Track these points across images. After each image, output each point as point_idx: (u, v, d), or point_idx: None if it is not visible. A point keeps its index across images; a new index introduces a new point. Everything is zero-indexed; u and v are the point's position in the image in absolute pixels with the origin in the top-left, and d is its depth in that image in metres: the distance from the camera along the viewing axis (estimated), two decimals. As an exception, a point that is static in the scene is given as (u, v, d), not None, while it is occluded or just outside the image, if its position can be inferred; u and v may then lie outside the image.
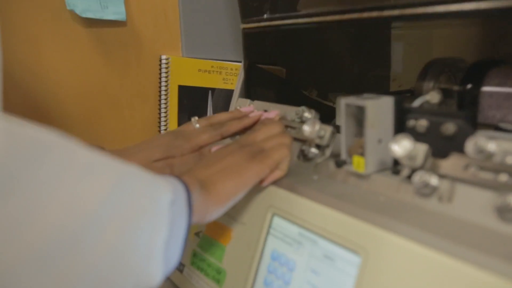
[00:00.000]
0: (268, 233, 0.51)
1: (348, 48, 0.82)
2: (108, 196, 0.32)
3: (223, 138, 0.62)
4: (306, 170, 0.55)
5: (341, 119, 0.49)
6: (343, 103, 0.48)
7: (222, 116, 0.64)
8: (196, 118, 0.63)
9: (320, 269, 0.44)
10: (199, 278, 0.57)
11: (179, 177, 0.42)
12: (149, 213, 0.35)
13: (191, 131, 0.61)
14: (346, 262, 0.42)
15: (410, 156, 0.42)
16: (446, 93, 0.59)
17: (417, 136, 0.46)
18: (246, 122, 0.63)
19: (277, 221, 0.50)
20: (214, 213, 0.45)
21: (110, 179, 0.33)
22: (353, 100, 0.47)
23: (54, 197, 0.29)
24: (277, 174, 0.51)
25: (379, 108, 0.47)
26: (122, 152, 0.59)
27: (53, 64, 0.72)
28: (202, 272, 0.57)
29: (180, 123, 0.83)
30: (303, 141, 0.57)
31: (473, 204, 0.39)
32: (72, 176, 0.30)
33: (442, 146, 0.44)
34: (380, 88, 0.83)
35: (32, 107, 0.71)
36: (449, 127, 0.43)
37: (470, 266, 0.33)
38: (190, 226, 0.40)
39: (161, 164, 0.58)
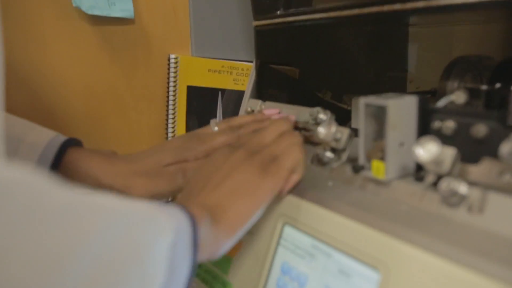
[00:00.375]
0: (278, 244, 0.47)
1: (364, 47, 0.78)
2: (84, 246, 0.26)
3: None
4: (320, 175, 0.51)
5: (360, 120, 0.44)
6: (362, 103, 0.44)
7: (243, 119, 0.60)
8: (216, 120, 0.60)
9: (334, 286, 0.40)
10: (205, 290, 0.53)
11: (184, 206, 0.37)
12: (141, 262, 0.29)
13: (207, 134, 0.57)
14: (363, 279, 0.38)
15: (437, 161, 0.38)
16: (472, 93, 0.54)
17: (443, 139, 0.42)
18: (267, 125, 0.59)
19: (288, 231, 0.46)
20: (227, 245, 0.40)
21: (89, 224, 0.27)
22: (373, 99, 0.43)
23: (10, 249, 0.23)
24: (295, 178, 0.47)
25: (402, 108, 0.42)
26: (133, 158, 0.57)
27: (58, 63, 0.69)
28: (207, 285, 0.53)
29: (188, 125, 0.80)
30: (317, 144, 0.53)
31: (508, 215, 0.35)
32: (37, 223, 0.24)
33: (472, 150, 0.40)
34: (397, 89, 0.79)
35: (37, 106, 0.69)
36: (480, 129, 0.39)
37: (502, 285, 0.29)
38: (195, 269, 0.35)
39: (173, 169, 0.55)
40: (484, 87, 0.54)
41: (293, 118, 0.58)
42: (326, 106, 0.58)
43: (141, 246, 0.30)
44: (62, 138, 0.55)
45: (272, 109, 0.62)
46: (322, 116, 0.55)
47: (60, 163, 0.54)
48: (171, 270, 0.32)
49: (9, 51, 0.66)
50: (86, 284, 0.26)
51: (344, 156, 0.49)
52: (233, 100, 0.84)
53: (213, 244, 0.39)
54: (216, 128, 0.58)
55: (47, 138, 0.54)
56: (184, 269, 0.34)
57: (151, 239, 0.31)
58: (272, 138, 0.49)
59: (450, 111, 0.42)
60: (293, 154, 0.47)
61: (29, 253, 0.23)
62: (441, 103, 0.52)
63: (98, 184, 0.54)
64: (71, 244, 0.25)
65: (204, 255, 0.38)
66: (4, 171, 0.25)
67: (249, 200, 0.42)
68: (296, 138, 0.48)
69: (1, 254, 0.22)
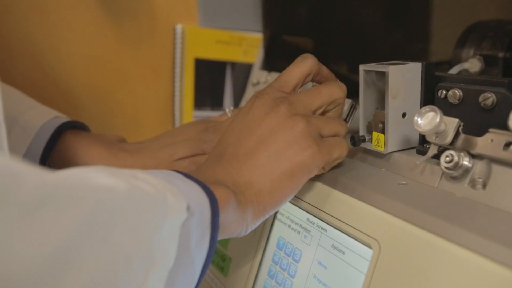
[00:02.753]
0: (275, 218, 0.45)
1: (383, 14, 0.74)
2: (76, 232, 0.22)
3: None
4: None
5: (360, 88, 0.42)
6: (362, 69, 0.41)
7: None
8: (231, 108, 0.56)
9: (328, 262, 0.38)
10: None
11: (205, 185, 0.32)
12: (144, 245, 0.26)
13: (223, 123, 0.51)
14: (357, 255, 0.36)
15: (438, 132, 0.35)
16: (489, 61, 0.50)
17: (449, 109, 0.39)
18: None
19: (285, 205, 0.44)
20: (254, 225, 0.37)
21: (79, 208, 0.23)
22: (372, 65, 0.40)
23: None
24: (319, 172, 0.40)
25: (404, 75, 0.39)
26: (140, 149, 0.51)
27: (61, 33, 0.68)
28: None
29: (196, 99, 0.78)
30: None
31: (514, 190, 0.32)
32: (13, 210, 0.20)
33: (479, 121, 0.37)
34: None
35: (40, 78, 0.68)
36: (488, 97, 0.36)
37: (501, 264, 0.27)
38: (212, 253, 0.32)
39: (187, 163, 0.50)
40: (502, 54, 0.50)
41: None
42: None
43: (143, 227, 0.26)
44: (60, 120, 0.50)
45: None
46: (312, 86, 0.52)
47: (55, 149, 0.49)
48: (183, 251, 0.29)
49: (11, 22, 0.65)
50: (85, 270, 0.22)
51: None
52: (243, 74, 0.82)
53: (239, 224, 0.35)
54: None
55: (43, 119, 0.49)
56: (201, 251, 0.31)
57: (156, 219, 0.27)
58: (322, 104, 0.40)
59: (457, 79, 0.39)
60: (341, 150, 0.39)
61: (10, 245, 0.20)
62: (453, 71, 0.49)
63: None
64: (61, 232, 0.22)
65: (228, 235, 0.35)
66: None
67: (288, 182, 0.36)
68: (344, 130, 0.41)
69: None
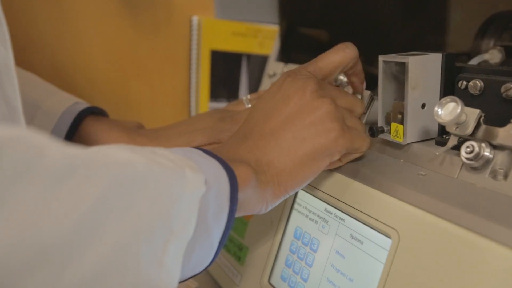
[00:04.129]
0: (292, 208, 0.46)
1: (399, 5, 0.73)
2: (97, 205, 0.23)
3: None
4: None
5: (378, 79, 0.42)
6: (381, 60, 0.41)
7: None
8: (248, 97, 0.55)
9: (346, 252, 0.39)
10: (220, 253, 0.53)
11: (225, 162, 0.33)
12: (164, 217, 0.26)
13: (241, 112, 0.51)
14: (375, 245, 0.36)
15: (459, 123, 0.35)
16: (510, 52, 0.50)
17: (470, 100, 0.38)
18: None
19: (302, 195, 0.45)
20: (273, 205, 0.37)
21: (101, 181, 0.23)
22: (392, 56, 0.40)
23: (3, 213, 0.20)
24: (336, 164, 0.40)
25: (424, 66, 0.39)
26: (158, 135, 0.52)
27: (78, 25, 0.69)
28: (223, 248, 0.53)
29: (212, 91, 0.78)
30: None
31: (537, 182, 0.32)
32: (36, 183, 0.21)
33: (500, 112, 0.36)
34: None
35: (58, 71, 0.69)
36: (510, 88, 0.35)
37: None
38: (230, 226, 0.32)
39: None
40: (523, 45, 0.50)
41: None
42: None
43: (163, 198, 0.26)
44: (81, 105, 0.52)
45: None
46: (342, 77, 0.52)
47: (76, 134, 0.51)
48: (201, 223, 0.29)
49: (28, 15, 0.66)
50: (109, 238, 0.23)
51: (363, 119, 0.47)
52: (258, 65, 0.82)
53: (258, 202, 0.35)
54: (249, 105, 0.53)
55: (65, 105, 0.51)
56: (219, 223, 0.31)
57: (175, 192, 0.27)
58: (345, 104, 0.40)
59: (478, 70, 0.39)
60: (364, 141, 0.40)
61: (28, 211, 0.20)
62: (473, 62, 0.49)
63: None
64: (85, 202, 0.22)
65: (247, 212, 0.35)
66: None
67: (309, 164, 0.36)
68: (363, 127, 0.41)
69: None
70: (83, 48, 0.70)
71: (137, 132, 0.52)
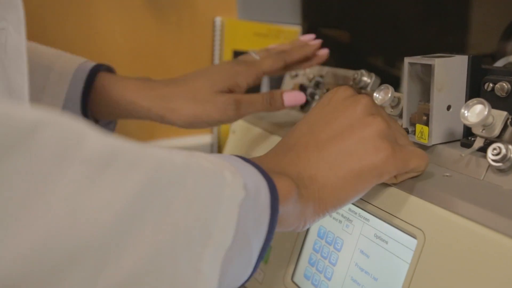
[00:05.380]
0: (315, 207, 0.46)
1: (421, 6, 0.73)
2: (131, 204, 0.22)
3: (286, 64, 0.55)
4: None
5: (404, 80, 0.42)
6: (407, 62, 0.41)
7: (282, 46, 0.57)
8: (254, 49, 0.57)
9: (370, 251, 0.39)
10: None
11: (267, 173, 0.30)
12: (203, 220, 0.25)
13: (252, 58, 0.54)
14: (400, 245, 0.37)
15: (485, 125, 0.35)
16: (536, 54, 0.50)
17: (497, 102, 0.38)
18: (307, 49, 0.56)
19: (326, 195, 0.45)
20: (313, 222, 0.34)
21: (137, 176, 0.22)
22: (418, 58, 0.40)
23: (42, 202, 0.19)
24: (390, 181, 0.37)
25: (450, 68, 0.39)
26: (175, 82, 0.52)
27: (104, 26, 0.70)
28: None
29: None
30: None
31: None
32: (71, 174, 0.20)
33: (527, 114, 0.36)
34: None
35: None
36: (538, 91, 0.35)
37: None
38: (271, 237, 0.30)
39: (226, 98, 0.50)
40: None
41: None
42: (377, 72, 0.55)
43: (201, 198, 0.25)
44: (90, 63, 0.53)
45: (308, 35, 0.59)
46: (365, 79, 0.52)
47: (92, 89, 0.51)
48: (241, 231, 0.27)
49: (53, 14, 0.67)
50: (147, 234, 0.22)
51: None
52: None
53: (298, 219, 0.33)
54: (258, 57, 0.55)
55: (75, 64, 0.52)
56: (259, 234, 0.29)
57: (213, 192, 0.26)
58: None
59: (505, 72, 0.39)
60: (422, 160, 0.37)
61: (61, 207, 0.19)
62: (499, 64, 0.49)
63: (133, 108, 0.51)
64: (124, 195, 0.21)
65: (285, 228, 0.33)
66: (30, 113, 0.19)
67: (354, 182, 0.33)
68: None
69: (25, 204, 0.18)
70: (108, 48, 0.71)
71: (151, 80, 0.53)
